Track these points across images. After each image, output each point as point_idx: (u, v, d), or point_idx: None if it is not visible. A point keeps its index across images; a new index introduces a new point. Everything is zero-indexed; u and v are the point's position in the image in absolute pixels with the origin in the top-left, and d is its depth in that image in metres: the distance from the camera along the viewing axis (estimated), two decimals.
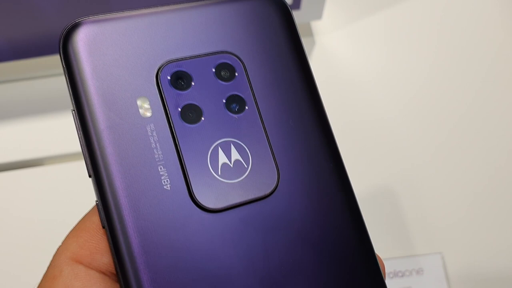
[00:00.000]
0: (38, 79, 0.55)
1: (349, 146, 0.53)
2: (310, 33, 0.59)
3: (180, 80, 0.23)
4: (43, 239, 0.48)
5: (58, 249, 0.22)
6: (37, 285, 0.22)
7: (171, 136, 0.22)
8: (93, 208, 0.23)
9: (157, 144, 0.22)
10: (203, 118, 0.23)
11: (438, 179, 0.52)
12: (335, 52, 0.59)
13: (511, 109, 0.56)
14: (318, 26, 0.60)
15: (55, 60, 0.53)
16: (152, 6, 0.23)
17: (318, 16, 0.56)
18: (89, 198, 0.48)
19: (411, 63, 0.58)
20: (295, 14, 0.53)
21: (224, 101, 0.23)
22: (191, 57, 0.23)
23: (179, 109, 0.22)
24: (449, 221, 0.50)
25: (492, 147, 0.54)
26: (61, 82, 0.54)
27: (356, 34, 0.60)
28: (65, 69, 0.22)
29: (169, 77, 0.23)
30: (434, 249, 0.49)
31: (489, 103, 0.56)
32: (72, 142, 0.52)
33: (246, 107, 0.23)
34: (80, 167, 0.51)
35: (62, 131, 0.52)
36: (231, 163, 0.22)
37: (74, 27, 0.22)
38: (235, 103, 0.23)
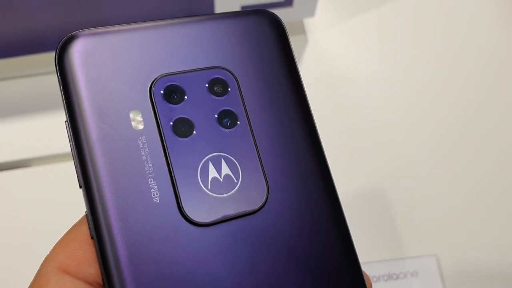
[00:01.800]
0: (24, 78, 0.55)
1: (341, 146, 0.53)
2: (302, 31, 0.59)
3: (173, 94, 0.23)
4: (29, 242, 0.48)
5: (45, 258, 0.22)
6: None
7: (162, 149, 0.22)
8: (81, 218, 0.23)
9: (148, 157, 0.22)
10: (194, 132, 0.23)
11: (433, 180, 0.52)
12: (328, 50, 0.59)
13: (505, 110, 0.56)
14: (311, 23, 0.60)
15: (41, 59, 0.53)
16: (147, 20, 0.24)
17: (311, 13, 0.56)
18: (77, 200, 0.48)
19: (405, 61, 0.58)
20: (288, 11, 0.53)
21: (216, 115, 0.23)
22: (184, 72, 0.23)
23: (171, 123, 0.23)
24: (444, 222, 0.50)
25: (486, 147, 0.54)
26: (48, 81, 0.54)
27: (349, 32, 0.60)
28: (60, 80, 0.22)
29: (162, 91, 0.23)
30: (429, 250, 0.49)
31: (483, 104, 0.56)
32: (60, 142, 0.52)
33: (238, 122, 0.23)
34: (69, 168, 0.51)
35: (50, 131, 0.52)
36: (221, 178, 0.23)
37: (70, 39, 0.22)
38: (227, 118, 0.23)
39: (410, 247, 0.49)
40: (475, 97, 0.57)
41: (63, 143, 0.52)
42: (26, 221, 0.49)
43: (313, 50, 0.58)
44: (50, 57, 0.52)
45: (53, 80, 0.54)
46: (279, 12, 0.25)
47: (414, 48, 0.59)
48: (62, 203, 0.49)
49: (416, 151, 0.54)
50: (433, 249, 0.49)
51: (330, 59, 0.58)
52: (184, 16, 0.24)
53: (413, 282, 0.47)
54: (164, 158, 0.22)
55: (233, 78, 0.24)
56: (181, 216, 0.22)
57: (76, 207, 0.44)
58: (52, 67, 0.53)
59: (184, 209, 0.22)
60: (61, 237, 0.23)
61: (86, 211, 0.22)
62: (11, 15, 0.47)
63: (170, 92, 0.23)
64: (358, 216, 0.49)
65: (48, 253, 0.22)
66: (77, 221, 0.23)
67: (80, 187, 0.22)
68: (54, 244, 0.22)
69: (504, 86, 0.58)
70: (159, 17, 0.24)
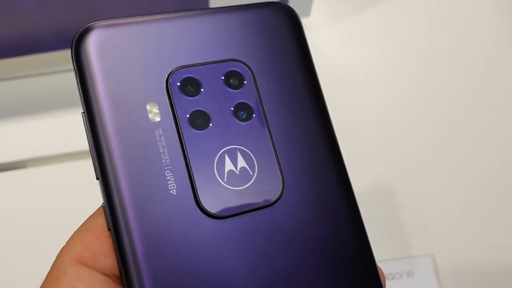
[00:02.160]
0: (18, 79, 0.55)
1: (340, 145, 0.52)
2: None
3: (190, 86, 0.23)
4: (25, 243, 0.48)
5: (62, 249, 0.22)
6: (39, 286, 0.22)
7: (178, 141, 0.22)
8: (97, 210, 0.23)
9: (164, 149, 0.22)
10: (211, 125, 0.23)
11: (429, 180, 0.52)
12: (324, 49, 0.58)
13: (505, 109, 0.56)
14: (306, 23, 0.59)
15: (37, 60, 0.53)
16: (163, 12, 0.24)
17: (306, 13, 0.55)
18: (73, 201, 0.48)
19: (402, 61, 0.58)
20: None
21: (232, 108, 0.23)
22: (201, 64, 0.23)
23: (188, 115, 0.23)
24: (440, 222, 0.51)
25: (486, 148, 0.54)
26: (42, 82, 0.54)
27: (345, 31, 0.60)
28: (77, 72, 0.22)
29: (178, 83, 0.23)
30: (425, 250, 0.49)
31: (483, 103, 0.56)
32: (56, 143, 0.51)
33: (254, 115, 0.24)
34: (65, 169, 0.51)
35: (46, 132, 0.52)
36: (237, 170, 0.23)
37: (86, 30, 0.22)
38: (242, 111, 0.23)
39: (406, 247, 0.49)
40: (474, 97, 0.57)
41: (59, 144, 0.52)
42: (22, 222, 0.49)
43: None
44: (45, 58, 0.52)
45: (48, 81, 0.54)
46: None
47: (411, 47, 0.59)
48: (59, 204, 0.49)
49: (414, 151, 0.54)
50: (429, 249, 0.49)
51: (326, 59, 0.58)
52: (199, 8, 0.24)
53: (409, 282, 0.47)
54: (181, 150, 0.22)
55: (249, 71, 0.24)
56: (197, 208, 0.22)
57: (72, 208, 0.44)
58: (48, 68, 0.54)
59: (201, 201, 0.22)
60: (77, 228, 0.22)
61: (103, 203, 0.22)
62: (4, 15, 0.46)
63: (187, 84, 0.23)
64: None
65: (64, 244, 0.22)
66: (93, 212, 0.23)
67: (97, 178, 0.22)
68: (70, 236, 0.22)
69: (503, 84, 0.58)
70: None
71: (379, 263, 0.47)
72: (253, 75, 0.24)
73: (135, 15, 0.24)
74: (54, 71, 0.54)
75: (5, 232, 0.48)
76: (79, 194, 0.47)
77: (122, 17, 0.23)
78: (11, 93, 0.54)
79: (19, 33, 0.48)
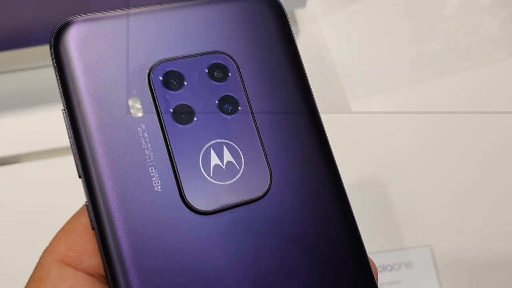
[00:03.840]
0: (11, 73, 0.54)
1: (335, 138, 0.52)
2: (293, 22, 0.58)
3: (173, 80, 0.22)
4: (21, 239, 0.48)
5: (45, 250, 0.22)
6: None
7: (162, 137, 0.22)
8: (81, 209, 0.22)
9: (148, 145, 0.22)
10: (195, 119, 0.22)
11: (427, 171, 0.52)
12: (320, 41, 0.58)
13: (500, 101, 0.56)
14: (301, 14, 0.59)
15: (29, 53, 0.52)
16: (144, 5, 0.23)
17: (302, 4, 0.55)
18: (68, 196, 0.48)
19: (399, 52, 0.58)
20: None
21: (217, 101, 0.23)
22: (183, 57, 0.23)
23: (171, 110, 0.22)
24: (438, 213, 0.50)
25: (481, 140, 0.54)
26: (37, 76, 0.53)
27: (341, 22, 0.59)
28: (56, 68, 0.22)
29: (161, 77, 0.22)
30: (423, 241, 0.49)
31: (478, 96, 0.56)
32: (51, 137, 0.51)
33: (239, 108, 0.23)
34: (60, 164, 0.50)
35: (40, 126, 0.51)
36: (223, 165, 0.22)
37: (66, 25, 0.22)
38: (228, 104, 0.23)
39: (404, 238, 0.49)
40: (471, 89, 0.56)
41: (54, 139, 0.52)
42: (18, 217, 0.49)
43: (304, 41, 0.57)
44: (38, 51, 0.52)
45: (41, 75, 0.54)
46: None
47: (408, 38, 0.59)
48: (54, 199, 0.49)
49: (411, 143, 0.54)
50: (427, 239, 0.49)
51: (322, 50, 0.57)
52: (182, 0, 0.24)
53: (407, 273, 0.47)
54: (165, 146, 0.22)
55: (233, 63, 0.23)
56: (183, 205, 0.21)
57: (67, 202, 0.44)
58: (40, 62, 0.53)
59: (187, 197, 0.21)
60: (59, 228, 0.22)
61: (86, 202, 0.21)
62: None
63: (169, 78, 0.22)
64: (351, 207, 0.48)
65: (48, 244, 0.22)
66: (76, 211, 0.22)
67: (80, 177, 0.21)
68: (53, 236, 0.22)
69: (499, 78, 0.57)
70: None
71: (376, 255, 0.47)
72: (237, 67, 0.23)
73: (120, 8, 0.23)
74: (50, 64, 0.54)
75: (0, 227, 0.48)
76: (76, 189, 0.47)
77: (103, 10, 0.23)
78: (5, 87, 0.53)
79: (12, 26, 0.48)
